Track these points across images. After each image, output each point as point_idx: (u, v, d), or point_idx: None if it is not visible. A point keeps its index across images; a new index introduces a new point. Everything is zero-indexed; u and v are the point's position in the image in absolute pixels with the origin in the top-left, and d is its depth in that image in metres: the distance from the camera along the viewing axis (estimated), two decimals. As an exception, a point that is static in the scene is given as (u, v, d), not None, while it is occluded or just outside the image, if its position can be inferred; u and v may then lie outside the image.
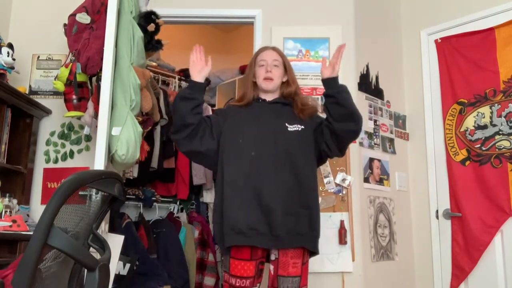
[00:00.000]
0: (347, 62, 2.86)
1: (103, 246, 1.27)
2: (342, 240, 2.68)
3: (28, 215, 2.67)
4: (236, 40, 5.09)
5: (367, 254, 2.80)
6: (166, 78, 3.82)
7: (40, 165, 2.92)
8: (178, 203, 3.67)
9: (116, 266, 2.35)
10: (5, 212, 2.45)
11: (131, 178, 3.13)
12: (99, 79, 2.32)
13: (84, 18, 2.39)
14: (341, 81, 2.05)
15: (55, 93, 2.90)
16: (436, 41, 3.24)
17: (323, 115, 2.12)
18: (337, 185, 2.79)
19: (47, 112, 2.95)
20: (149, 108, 2.41)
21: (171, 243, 3.23)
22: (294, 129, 2.06)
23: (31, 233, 0.98)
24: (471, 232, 2.85)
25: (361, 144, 2.93)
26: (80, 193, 1.15)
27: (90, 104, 2.43)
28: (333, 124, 2.00)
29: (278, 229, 1.92)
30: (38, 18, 3.08)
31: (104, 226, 2.15)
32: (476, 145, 2.95)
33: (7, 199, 2.51)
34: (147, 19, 2.45)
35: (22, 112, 2.78)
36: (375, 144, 3.06)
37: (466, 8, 3.12)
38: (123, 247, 2.23)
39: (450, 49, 3.15)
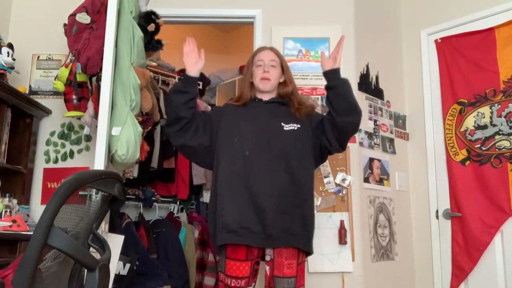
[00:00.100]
0: (347, 62, 2.86)
1: (103, 246, 1.27)
2: (342, 240, 2.68)
3: (28, 215, 2.67)
4: (236, 40, 5.09)
5: (367, 254, 2.80)
6: (166, 78, 3.82)
7: (40, 165, 2.92)
8: (178, 203, 3.67)
9: (116, 266, 2.35)
10: (5, 212, 2.45)
11: (131, 178, 3.13)
12: (99, 79, 2.32)
13: (84, 18, 2.39)
14: (341, 80, 2.06)
15: (55, 93, 2.90)
16: (436, 41, 3.24)
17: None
18: (337, 185, 2.79)
19: (47, 112, 2.95)
20: (149, 108, 2.41)
21: (171, 243, 3.23)
22: (290, 128, 2.06)
23: (31, 233, 0.98)
24: (471, 232, 2.85)
25: (361, 144, 2.93)
26: (80, 193, 1.15)
27: (90, 104, 2.43)
28: (335, 117, 2.00)
29: (271, 228, 1.92)
30: (38, 18, 3.08)
31: (104, 226, 2.15)
32: (476, 145, 2.95)
33: (7, 199, 2.51)
34: (147, 19, 2.45)
35: (22, 112, 2.78)
36: (375, 144, 3.06)
37: (466, 8, 3.12)
38: (123, 247, 2.23)
39: (450, 49, 3.15)
